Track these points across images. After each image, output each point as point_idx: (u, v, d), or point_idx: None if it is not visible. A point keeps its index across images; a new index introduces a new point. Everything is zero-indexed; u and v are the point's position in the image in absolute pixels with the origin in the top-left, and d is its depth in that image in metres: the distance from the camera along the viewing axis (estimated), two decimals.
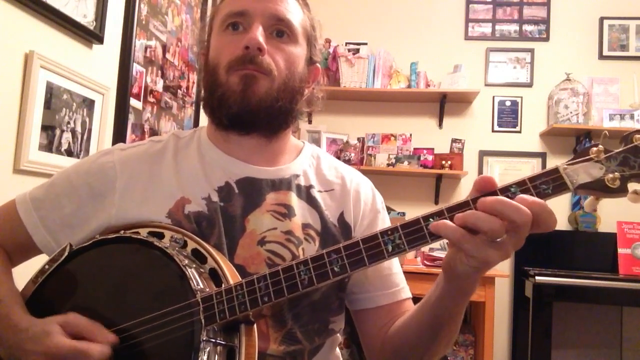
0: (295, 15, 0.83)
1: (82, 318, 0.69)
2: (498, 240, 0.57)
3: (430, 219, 0.61)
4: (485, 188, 0.60)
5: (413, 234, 0.61)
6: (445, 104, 3.37)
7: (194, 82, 2.56)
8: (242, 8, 0.80)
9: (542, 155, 3.31)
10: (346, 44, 3.38)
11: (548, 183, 0.59)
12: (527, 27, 3.40)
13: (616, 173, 0.57)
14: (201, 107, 0.90)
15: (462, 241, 0.58)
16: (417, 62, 3.32)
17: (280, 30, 0.81)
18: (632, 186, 0.57)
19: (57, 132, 1.54)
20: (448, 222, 0.59)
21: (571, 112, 3.13)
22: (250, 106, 0.78)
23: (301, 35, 0.84)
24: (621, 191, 0.57)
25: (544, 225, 0.57)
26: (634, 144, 0.58)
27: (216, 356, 0.64)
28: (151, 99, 2.14)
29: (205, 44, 0.88)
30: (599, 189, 0.58)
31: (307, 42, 0.86)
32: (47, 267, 0.77)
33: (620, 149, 0.58)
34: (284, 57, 0.81)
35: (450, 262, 0.63)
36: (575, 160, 0.59)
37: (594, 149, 0.58)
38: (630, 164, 0.57)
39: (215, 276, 0.70)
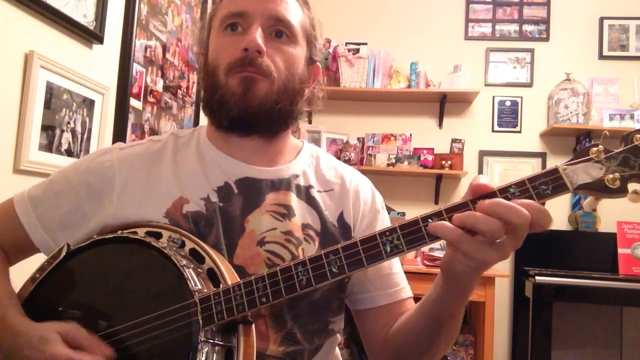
0: (294, 15, 0.82)
1: (82, 330, 0.69)
2: (497, 241, 0.57)
3: (429, 220, 0.60)
4: (480, 194, 0.60)
5: (411, 235, 0.61)
6: (445, 104, 3.37)
7: (194, 82, 2.56)
8: (241, 9, 0.79)
9: (542, 155, 3.30)
10: (346, 44, 3.38)
11: (547, 183, 0.58)
12: (527, 27, 3.40)
13: (616, 173, 0.57)
14: (201, 107, 0.89)
15: (460, 242, 0.58)
16: (417, 62, 3.32)
17: (280, 30, 0.80)
18: (632, 186, 0.57)
19: (57, 132, 1.54)
20: (446, 223, 0.59)
21: (571, 112, 3.12)
22: (251, 109, 0.78)
23: (301, 35, 0.83)
24: (621, 191, 0.57)
25: (539, 226, 0.57)
26: (634, 144, 0.57)
27: (214, 356, 0.64)
28: (151, 99, 2.14)
29: (204, 44, 0.87)
30: (599, 189, 0.57)
31: (307, 41, 0.86)
32: (45, 266, 0.77)
33: (620, 149, 0.58)
34: (283, 58, 0.80)
35: (448, 263, 0.63)
36: (575, 161, 0.59)
37: (594, 149, 0.58)
38: (630, 164, 0.57)
39: (213, 276, 0.70)
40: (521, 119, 3.34)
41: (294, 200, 0.83)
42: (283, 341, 0.76)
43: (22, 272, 0.82)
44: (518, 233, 0.57)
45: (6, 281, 0.79)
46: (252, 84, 0.77)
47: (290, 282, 0.64)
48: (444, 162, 3.17)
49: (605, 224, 3.08)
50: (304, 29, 0.84)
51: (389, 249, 0.61)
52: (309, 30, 0.86)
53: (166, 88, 2.27)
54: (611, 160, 0.58)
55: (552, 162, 3.28)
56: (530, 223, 0.57)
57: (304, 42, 0.85)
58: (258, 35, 0.77)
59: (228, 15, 0.80)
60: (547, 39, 3.37)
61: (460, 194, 3.34)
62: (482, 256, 0.57)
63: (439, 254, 2.70)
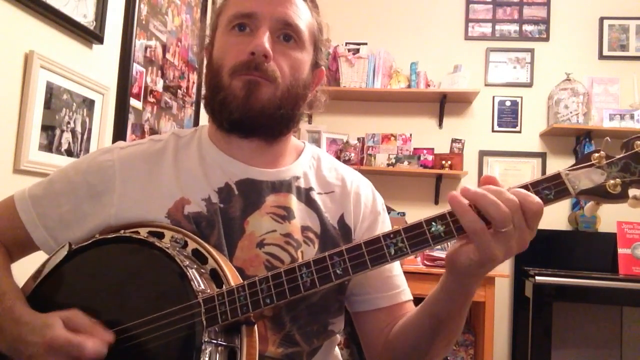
0: (303, 20, 0.81)
1: (84, 316, 0.69)
2: (503, 230, 0.58)
3: (433, 223, 0.61)
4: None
5: (415, 238, 0.61)
6: (445, 104, 3.37)
7: (194, 82, 2.56)
8: (250, 10, 0.79)
9: (542, 155, 3.31)
10: (346, 44, 3.37)
11: (550, 188, 0.59)
12: (527, 27, 3.40)
13: (617, 179, 0.58)
14: (202, 105, 0.89)
15: (479, 233, 0.59)
16: (417, 62, 3.32)
17: (288, 35, 0.80)
18: (632, 192, 0.58)
19: (57, 132, 1.54)
20: (471, 210, 0.59)
21: (571, 112, 3.13)
22: (252, 112, 0.77)
23: (308, 41, 0.83)
24: (622, 197, 0.58)
25: (530, 213, 0.59)
26: (635, 151, 0.58)
27: (217, 357, 0.64)
28: (151, 99, 2.14)
29: (209, 39, 0.87)
30: (600, 194, 0.58)
31: (314, 46, 0.85)
32: (46, 265, 0.77)
33: (621, 155, 0.59)
34: (289, 63, 0.80)
35: (453, 256, 0.63)
36: (577, 166, 0.60)
37: (596, 154, 0.59)
38: (631, 170, 0.58)
39: (216, 277, 0.70)
40: (521, 119, 3.35)
41: (294, 203, 0.83)
42: (282, 343, 0.76)
43: (23, 271, 0.82)
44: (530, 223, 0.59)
45: (10, 277, 0.80)
46: (255, 88, 0.77)
47: (294, 283, 0.65)
48: (444, 162, 3.17)
49: (605, 224, 3.09)
50: (311, 34, 0.84)
51: (393, 252, 0.62)
52: (316, 35, 0.85)
53: (166, 88, 2.27)
54: (612, 166, 0.59)
55: (552, 162, 3.28)
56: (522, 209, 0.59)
57: (311, 47, 0.84)
58: (266, 40, 0.76)
59: (236, 15, 0.79)
60: (547, 39, 3.37)
61: None
62: (490, 250, 0.59)
63: (439, 254, 2.70)
